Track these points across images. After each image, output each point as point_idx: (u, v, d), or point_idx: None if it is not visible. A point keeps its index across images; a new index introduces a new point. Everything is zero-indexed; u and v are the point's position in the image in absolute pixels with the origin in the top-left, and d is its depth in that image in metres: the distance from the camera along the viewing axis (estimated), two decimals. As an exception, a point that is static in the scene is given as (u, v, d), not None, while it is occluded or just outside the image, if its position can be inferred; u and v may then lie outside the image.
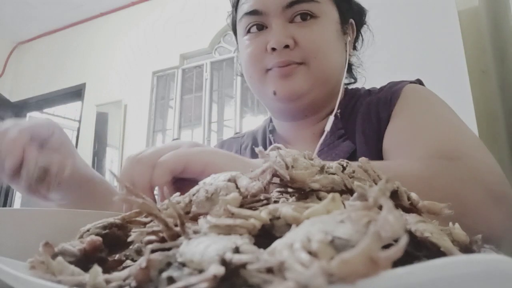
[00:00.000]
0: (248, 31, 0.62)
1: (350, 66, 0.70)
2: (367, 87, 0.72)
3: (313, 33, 0.59)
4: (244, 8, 0.62)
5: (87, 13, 3.64)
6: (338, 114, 0.64)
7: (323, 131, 0.63)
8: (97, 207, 0.46)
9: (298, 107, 0.62)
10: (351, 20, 0.67)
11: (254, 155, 0.71)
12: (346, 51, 0.65)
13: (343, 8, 0.64)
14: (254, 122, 2.69)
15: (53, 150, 0.50)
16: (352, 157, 0.56)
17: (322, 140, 0.61)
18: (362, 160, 0.31)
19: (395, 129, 0.56)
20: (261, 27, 0.61)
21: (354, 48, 0.70)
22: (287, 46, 0.57)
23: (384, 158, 0.54)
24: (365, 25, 0.71)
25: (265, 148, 0.69)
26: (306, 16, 0.59)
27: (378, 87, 0.69)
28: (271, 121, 0.74)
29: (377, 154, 0.57)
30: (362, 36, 0.70)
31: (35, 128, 0.50)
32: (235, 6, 0.67)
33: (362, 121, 0.61)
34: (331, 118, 0.62)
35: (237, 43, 0.71)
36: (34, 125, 0.50)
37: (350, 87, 0.73)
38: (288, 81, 0.59)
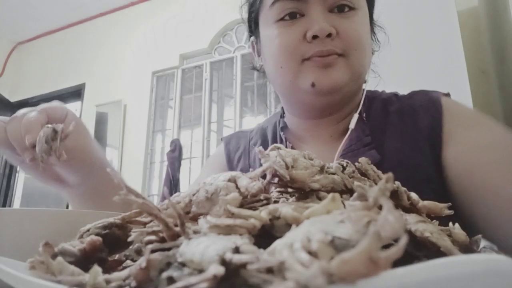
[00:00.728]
0: (281, 18, 0.58)
1: None
2: (367, 87, 0.70)
3: (354, 25, 0.56)
4: None
5: (87, 13, 3.64)
6: (364, 117, 0.61)
7: (344, 131, 0.61)
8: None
9: (334, 101, 0.59)
10: (375, 20, 0.66)
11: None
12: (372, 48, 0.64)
13: (371, 6, 0.64)
14: (254, 122, 2.69)
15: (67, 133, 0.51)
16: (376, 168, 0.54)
17: (347, 141, 0.59)
18: (362, 160, 0.31)
19: (475, 144, 0.52)
20: (295, 15, 0.57)
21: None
22: (329, 35, 0.55)
23: (463, 172, 0.52)
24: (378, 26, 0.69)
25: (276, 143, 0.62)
26: (345, 8, 0.56)
27: (377, 89, 0.67)
28: (281, 116, 0.71)
29: (408, 166, 0.54)
30: (376, 35, 0.69)
31: (51, 110, 0.50)
32: None
33: (393, 131, 0.59)
34: (356, 116, 0.60)
35: (251, 33, 0.67)
36: (50, 107, 0.51)
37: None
38: (329, 72, 0.55)
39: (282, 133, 0.67)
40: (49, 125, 0.47)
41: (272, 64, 0.60)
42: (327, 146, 0.62)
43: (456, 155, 0.53)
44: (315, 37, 0.55)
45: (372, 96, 0.65)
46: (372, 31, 0.65)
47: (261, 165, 0.27)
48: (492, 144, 0.51)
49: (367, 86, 0.68)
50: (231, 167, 0.71)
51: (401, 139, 0.57)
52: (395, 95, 0.65)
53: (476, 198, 0.49)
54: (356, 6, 0.57)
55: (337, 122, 0.63)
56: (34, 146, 0.46)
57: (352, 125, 0.59)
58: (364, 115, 0.61)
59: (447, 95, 0.61)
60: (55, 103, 0.53)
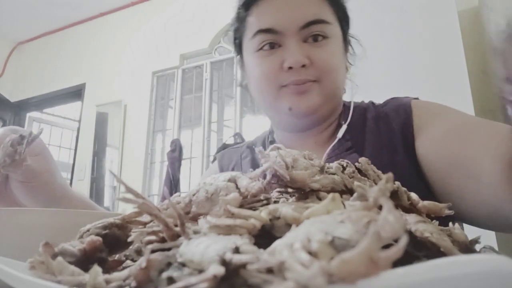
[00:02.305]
0: (261, 48, 0.64)
1: None
2: (366, 87, 0.72)
3: (326, 53, 0.62)
4: (257, 24, 0.63)
5: (87, 13, 3.63)
6: (343, 123, 0.67)
7: (327, 138, 0.67)
8: None
9: (311, 121, 0.66)
10: (349, 38, 0.71)
11: (254, 165, 0.72)
12: (346, 66, 0.69)
13: (345, 28, 0.68)
14: (254, 122, 2.69)
15: (33, 154, 0.51)
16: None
17: (331, 147, 0.64)
18: (362, 160, 0.31)
19: (442, 129, 0.55)
20: (273, 45, 0.63)
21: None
22: (303, 66, 0.60)
23: (435, 158, 0.54)
24: (353, 38, 0.73)
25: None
26: (318, 37, 0.62)
27: (377, 90, 0.71)
28: (270, 132, 0.77)
29: (388, 166, 0.56)
30: (352, 47, 0.73)
31: (16, 130, 0.51)
32: (243, 19, 0.68)
33: (371, 135, 0.64)
34: (344, 127, 0.65)
35: (238, 55, 0.72)
36: (15, 128, 0.52)
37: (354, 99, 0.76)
38: (303, 98, 0.62)
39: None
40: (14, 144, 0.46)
41: (255, 88, 0.68)
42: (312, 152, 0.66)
43: (426, 144, 0.57)
44: (290, 67, 0.60)
45: (353, 106, 0.71)
46: (347, 49, 0.70)
47: None
48: (459, 126, 0.54)
49: (363, 86, 0.69)
50: None
51: (378, 142, 0.62)
52: (372, 103, 0.71)
53: (451, 181, 0.51)
54: (329, 35, 0.63)
55: (321, 132, 0.69)
56: None
57: (340, 134, 0.65)
58: (343, 123, 0.67)
59: (417, 99, 0.67)
60: (21, 128, 0.54)
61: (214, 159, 0.84)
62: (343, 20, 0.67)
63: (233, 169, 0.76)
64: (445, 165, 0.52)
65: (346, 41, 0.69)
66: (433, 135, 0.56)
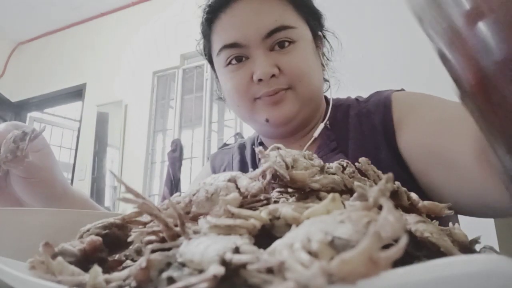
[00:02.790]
0: (229, 63, 0.64)
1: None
2: (365, 88, 0.72)
3: (295, 59, 0.61)
4: (221, 40, 0.63)
5: (87, 13, 3.64)
6: (328, 125, 0.66)
7: (312, 141, 0.65)
8: None
9: (290, 129, 0.65)
10: (320, 33, 0.69)
11: (243, 167, 0.73)
12: (322, 64, 0.68)
13: (313, 25, 0.67)
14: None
15: (35, 151, 0.51)
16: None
17: (315, 150, 0.64)
18: (362, 160, 0.31)
19: (424, 121, 0.55)
20: (241, 58, 0.62)
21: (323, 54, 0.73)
22: (273, 76, 0.59)
23: (418, 150, 0.54)
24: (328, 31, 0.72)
25: (254, 160, 0.71)
26: (284, 43, 0.61)
27: (377, 89, 0.69)
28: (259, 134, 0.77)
29: (373, 163, 0.57)
30: (327, 40, 0.72)
31: (17, 126, 0.51)
32: (208, 36, 0.68)
33: (354, 133, 0.63)
34: (321, 126, 0.64)
35: (214, 71, 0.72)
36: (16, 124, 0.52)
37: (341, 90, 0.75)
38: (279, 108, 0.61)
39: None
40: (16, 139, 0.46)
41: (230, 102, 0.68)
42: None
43: (406, 138, 0.56)
44: (260, 79, 0.60)
45: (338, 104, 0.70)
46: (319, 46, 0.68)
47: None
48: (437, 117, 0.54)
49: (363, 86, 0.69)
50: None
51: (361, 139, 0.62)
52: (357, 100, 0.70)
53: (433, 171, 0.51)
54: (296, 39, 0.61)
55: (305, 134, 0.68)
56: None
57: (316, 133, 0.65)
58: (328, 123, 0.67)
59: (401, 90, 0.66)
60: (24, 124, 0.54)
61: (208, 160, 0.85)
62: (311, 17, 0.66)
63: (224, 170, 0.76)
64: (426, 156, 0.53)
65: (317, 39, 0.68)
66: (413, 128, 0.56)
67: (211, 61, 0.71)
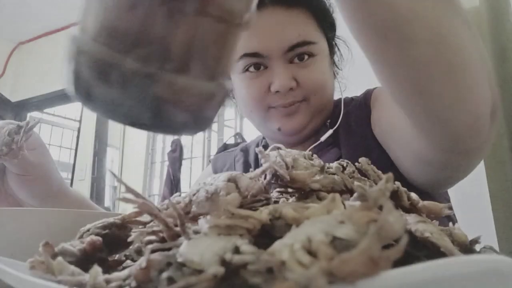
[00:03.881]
0: (247, 70, 0.64)
1: None
2: (364, 88, 0.73)
3: (313, 73, 0.62)
4: (242, 47, 0.63)
5: (88, 13, 3.63)
6: (328, 124, 0.68)
7: (315, 141, 0.67)
8: None
9: (301, 136, 0.67)
10: (334, 43, 0.71)
11: (246, 169, 0.73)
12: (334, 73, 0.71)
13: (330, 37, 0.68)
14: (255, 122, 2.68)
15: (30, 148, 0.52)
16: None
17: (312, 147, 0.66)
18: (362, 160, 0.31)
19: (381, 103, 0.61)
20: (259, 66, 0.63)
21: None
22: (290, 88, 0.61)
23: (384, 128, 0.58)
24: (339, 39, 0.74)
25: (257, 163, 0.73)
26: (304, 56, 0.62)
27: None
28: (264, 137, 0.78)
29: (363, 153, 0.60)
30: (339, 49, 0.74)
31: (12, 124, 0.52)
32: None
33: (343, 130, 0.66)
34: (329, 132, 0.66)
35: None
36: (16, 123, 0.52)
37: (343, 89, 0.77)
38: (292, 118, 0.63)
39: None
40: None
41: (244, 107, 0.69)
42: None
43: (376, 117, 0.61)
44: (277, 91, 0.61)
45: (337, 105, 0.72)
46: (333, 55, 0.71)
47: None
48: (380, 102, 0.60)
49: (363, 86, 0.70)
50: None
51: (351, 134, 0.65)
52: (352, 98, 0.73)
53: (392, 145, 0.56)
54: (315, 52, 0.63)
55: (310, 138, 0.70)
56: None
57: (323, 138, 0.66)
58: (328, 122, 0.69)
59: None
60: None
61: (210, 162, 0.86)
62: (329, 30, 0.67)
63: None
64: (384, 132, 0.58)
65: (332, 48, 0.69)
66: (375, 114, 0.62)
67: None
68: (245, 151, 0.79)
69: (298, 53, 0.61)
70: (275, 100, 0.63)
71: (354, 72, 0.75)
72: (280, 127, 0.64)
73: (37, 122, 0.48)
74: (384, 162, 0.58)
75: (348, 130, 0.65)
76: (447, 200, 0.66)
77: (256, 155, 0.76)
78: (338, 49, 0.73)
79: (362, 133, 0.63)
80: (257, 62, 0.63)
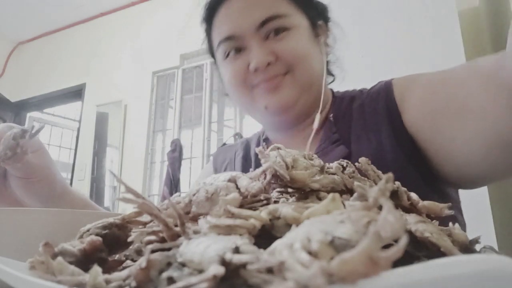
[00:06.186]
0: (228, 55, 0.65)
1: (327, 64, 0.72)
2: (366, 83, 0.72)
3: (290, 43, 0.61)
4: (218, 34, 0.65)
5: (87, 13, 3.63)
6: (331, 118, 0.65)
7: (316, 134, 0.64)
8: None
9: (290, 117, 0.65)
10: (320, 22, 0.69)
11: (246, 163, 0.73)
12: (322, 53, 0.68)
13: (311, 14, 0.67)
14: (254, 122, 2.68)
15: (32, 151, 0.51)
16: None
17: (318, 143, 0.63)
18: (362, 160, 0.31)
19: (426, 82, 0.55)
20: (239, 50, 0.64)
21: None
22: (269, 64, 0.60)
23: (422, 128, 0.54)
24: (332, 21, 0.72)
25: (258, 158, 0.71)
26: (279, 31, 0.61)
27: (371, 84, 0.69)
28: (264, 130, 0.77)
29: (375, 152, 0.57)
30: (331, 31, 0.72)
31: (13, 127, 0.51)
32: (209, 34, 0.70)
33: (356, 123, 0.63)
34: (318, 116, 0.64)
35: (217, 67, 0.73)
36: (12, 125, 0.52)
37: (341, 88, 0.75)
38: (277, 94, 0.62)
39: (264, 144, 0.70)
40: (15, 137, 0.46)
41: (231, 94, 0.69)
42: (303, 148, 0.64)
43: (410, 105, 0.56)
44: (256, 69, 0.61)
45: (342, 97, 0.70)
46: (318, 34, 0.67)
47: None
48: (440, 75, 0.54)
49: (363, 85, 0.69)
50: None
51: (364, 129, 0.61)
52: (361, 91, 0.69)
53: (445, 126, 0.50)
54: (290, 26, 0.62)
55: (307, 127, 0.67)
56: None
57: (315, 125, 0.63)
58: (331, 115, 0.66)
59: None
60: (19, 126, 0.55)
61: (210, 159, 0.86)
62: (307, 7, 0.66)
63: (226, 167, 0.76)
64: (432, 114, 0.52)
65: (316, 28, 0.67)
66: (414, 95, 0.56)
67: (213, 55, 0.73)
68: (246, 145, 0.78)
69: (271, 28, 0.61)
70: (256, 77, 0.62)
71: (366, 71, 0.74)
72: (267, 104, 0.62)
73: (42, 127, 0.48)
74: (400, 160, 0.55)
75: (364, 125, 0.61)
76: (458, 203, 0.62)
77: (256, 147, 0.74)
78: (329, 31, 0.70)
79: (377, 131, 0.59)
80: (235, 45, 0.63)
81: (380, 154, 0.57)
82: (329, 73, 0.73)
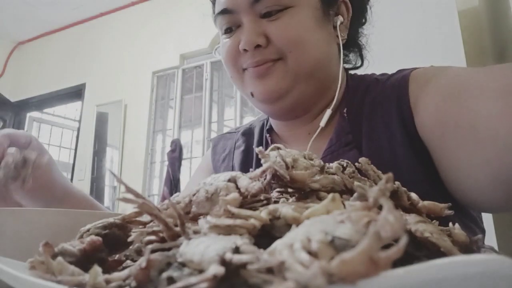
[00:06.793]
0: (224, 32, 0.60)
1: (353, 47, 0.65)
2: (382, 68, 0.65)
3: (286, 26, 0.54)
4: (216, 8, 0.59)
5: (87, 13, 3.64)
6: (345, 114, 0.58)
7: (323, 129, 0.58)
8: None
9: (279, 108, 0.58)
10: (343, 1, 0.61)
11: (246, 158, 0.67)
12: (338, 36, 0.59)
13: None
14: (254, 122, 2.68)
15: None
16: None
17: (328, 142, 0.57)
18: (362, 160, 0.31)
19: (440, 86, 0.49)
20: (234, 26, 0.58)
21: (359, 25, 0.65)
22: (258, 46, 0.54)
23: (433, 129, 0.49)
24: None
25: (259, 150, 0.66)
26: (278, 10, 0.54)
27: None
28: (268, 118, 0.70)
29: (387, 156, 0.52)
30: (365, 10, 0.65)
31: (14, 136, 0.51)
32: (214, 10, 0.64)
33: (368, 126, 0.55)
34: (328, 112, 0.57)
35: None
36: (13, 133, 0.51)
37: (358, 72, 0.67)
38: (264, 81, 0.55)
39: (268, 135, 0.68)
40: (13, 151, 0.46)
41: (228, 73, 0.62)
42: (302, 145, 0.60)
43: (423, 115, 0.50)
44: (245, 49, 0.55)
45: (356, 86, 0.61)
46: (335, 14, 0.59)
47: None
48: (457, 81, 0.48)
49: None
50: (215, 167, 0.72)
51: (375, 130, 0.54)
52: (377, 79, 0.60)
53: (454, 139, 0.45)
54: (291, 4, 0.54)
55: (312, 120, 0.61)
56: None
57: (322, 123, 0.57)
58: (345, 110, 0.58)
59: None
60: (20, 131, 0.53)
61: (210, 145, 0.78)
62: None
63: (224, 159, 0.71)
64: (442, 123, 0.47)
65: (329, 5, 0.58)
66: (428, 100, 0.50)
67: None
68: (247, 135, 0.71)
69: (267, 4, 0.54)
70: (245, 59, 0.56)
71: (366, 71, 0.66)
72: (252, 91, 0.56)
73: (44, 160, 0.49)
74: (416, 173, 0.50)
75: (375, 126, 0.54)
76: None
77: (260, 141, 0.68)
78: (348, 11, 0.61)
79: (390, 134, 0.53)
80: (230, 21, 0.57)
81: (394, 162, 0.51)
82: (346, 61, 0.64)
